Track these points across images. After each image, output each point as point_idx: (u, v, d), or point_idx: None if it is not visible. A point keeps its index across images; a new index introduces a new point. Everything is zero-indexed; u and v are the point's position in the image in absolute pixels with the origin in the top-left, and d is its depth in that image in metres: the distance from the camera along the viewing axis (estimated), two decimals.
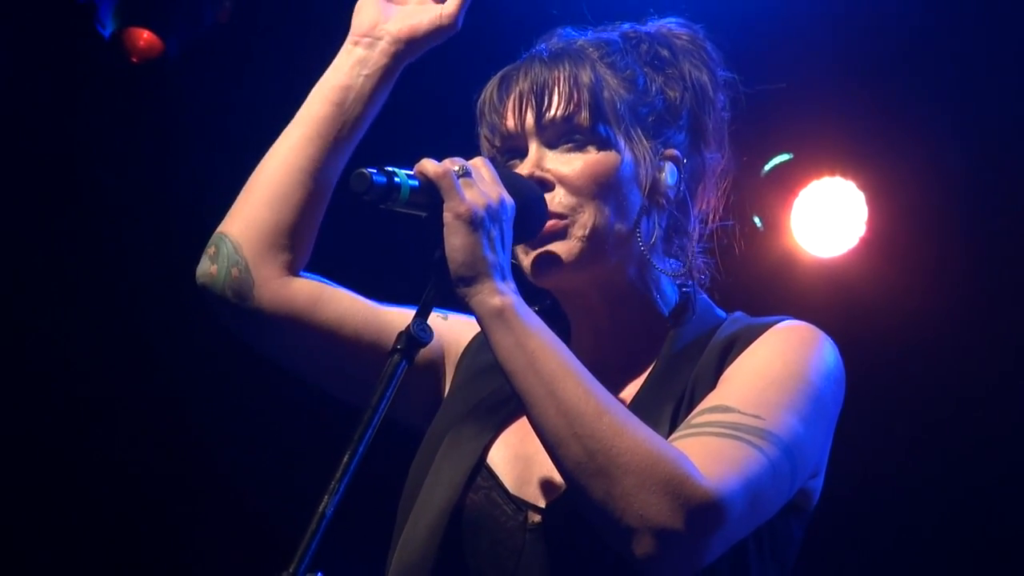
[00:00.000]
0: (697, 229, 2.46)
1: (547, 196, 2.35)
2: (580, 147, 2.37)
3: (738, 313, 2.44)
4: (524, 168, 2.37)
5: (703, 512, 2.08)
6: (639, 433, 2.11)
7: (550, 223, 2.34)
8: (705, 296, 2.47)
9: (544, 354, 2.14)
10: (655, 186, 2.40)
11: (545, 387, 2.12)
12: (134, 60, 4.58)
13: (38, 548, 5.16)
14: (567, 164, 2.37)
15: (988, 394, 4.77)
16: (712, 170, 2.49)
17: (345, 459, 2.06)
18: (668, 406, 2.30)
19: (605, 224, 2.35)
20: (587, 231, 2.34)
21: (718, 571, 2.22)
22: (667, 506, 2.07)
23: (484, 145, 2.46)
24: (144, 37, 4.56)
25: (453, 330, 2.55)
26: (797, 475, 2.23)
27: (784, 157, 4.82)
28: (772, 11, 4.53)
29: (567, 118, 2.37)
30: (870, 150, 4.75)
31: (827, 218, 4.78)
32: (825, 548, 4.76)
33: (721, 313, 2.46)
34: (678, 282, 2.45)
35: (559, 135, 2.38)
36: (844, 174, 4.79)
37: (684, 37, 2.50)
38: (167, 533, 5.24)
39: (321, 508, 2.04)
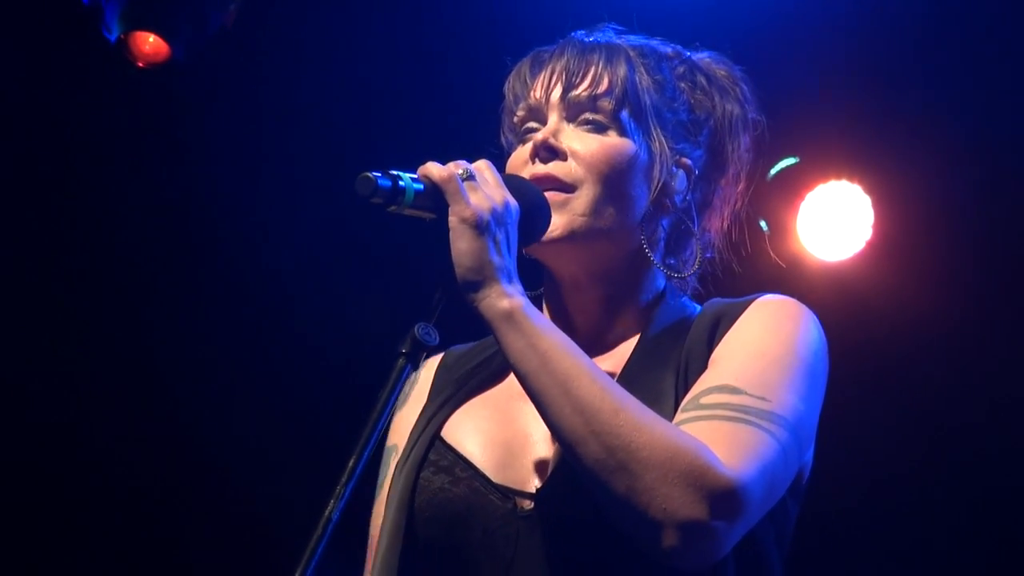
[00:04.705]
0: (700, 251, 2.47)
1: (557, 163, 2.36)
2: (600, 130, 2.40)
3: (714, 299, 2.46)
4: (540, 134, 2.39)
5: (726, 501, 2.10)
6: (657, 427, 2.12)
7: (552, 193, 2.34)
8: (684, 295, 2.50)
9: (556, 354, 2.15)
10: (664, 188, 2.42)
11: (560, 387, 2.13)
12: (140, 65, 4.58)
13: (38, 549, 5.16)
14: (582, 142, 2.39)
15: (995, 397, 4.77)
16: (725, 201, 2.51)
17: (351, 463, 2.06)
18: (665, 381, 2.30)
19: (607, 206, 2.37)
20: (588, 207, 2.36)
21: (728, 555, 2.21)
22: (690, 498, 2.08)
23: (505, 120, 2.48)
24: (150, 42, 4.56)
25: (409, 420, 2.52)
26: (802, 454, 2.27)
27: (790, 161, 4.81)
28: (779, 15, 4.53)
29: (593, 97, 2.40)
30: (876, 154, 4.75)
31: (833, 222, 4.78)
32: (839, 552, 4.76)
33: (697, 305, 2.47)
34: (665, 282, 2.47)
35: (581, 111, 2.40)
36: (850, 178, 4.78)
37: (723, 72, 2.53)
38: (172, 540, 5.23)
39: (327, 512, 2.03)
